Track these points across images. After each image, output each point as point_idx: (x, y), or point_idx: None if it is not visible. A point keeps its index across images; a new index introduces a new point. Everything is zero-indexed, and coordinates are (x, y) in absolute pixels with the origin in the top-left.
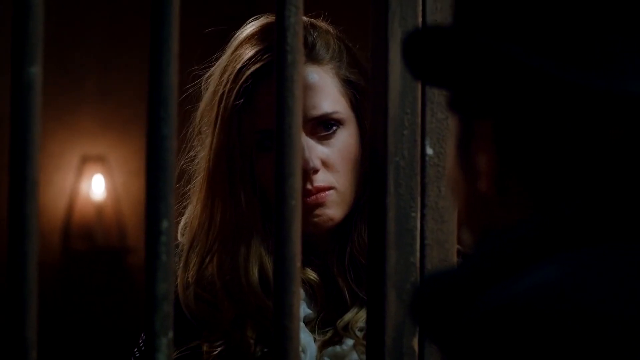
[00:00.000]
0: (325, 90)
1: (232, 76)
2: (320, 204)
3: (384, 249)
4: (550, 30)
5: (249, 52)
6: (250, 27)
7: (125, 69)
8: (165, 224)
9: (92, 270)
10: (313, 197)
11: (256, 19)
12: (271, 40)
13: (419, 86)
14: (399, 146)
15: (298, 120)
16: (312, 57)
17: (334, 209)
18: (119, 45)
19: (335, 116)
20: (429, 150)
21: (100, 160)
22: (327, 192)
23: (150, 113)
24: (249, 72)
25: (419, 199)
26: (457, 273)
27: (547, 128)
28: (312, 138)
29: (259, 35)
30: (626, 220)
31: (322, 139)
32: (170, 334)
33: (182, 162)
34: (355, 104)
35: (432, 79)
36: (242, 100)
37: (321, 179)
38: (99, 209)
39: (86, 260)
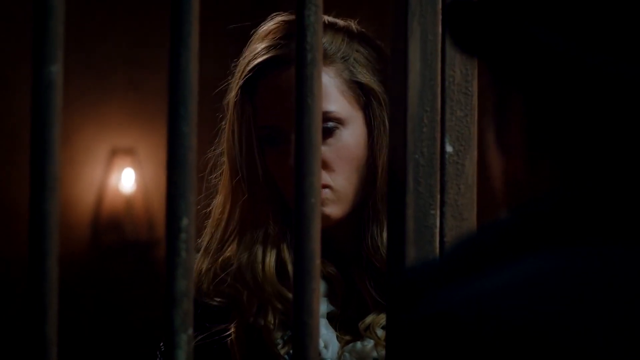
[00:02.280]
0: (323, 89)
1: (240, 70)
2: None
3: (403, 246)
4: (582, 15)
5: (258, 47)
6: (266, 24)
7: (152, 61)
8: (185, 221)
9: (121, 263)
10: None
11: (275, 15)
12: (284, 37)
13: (439, 84)
14: (418, 144)
15: (318, 119)
16: None
17: (330, 207)
18: (146, 37)
19: (333, 115)
20: (449, 148)
21: (129, 153)
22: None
23: (171, 111)
24: (253, 64)
25: (438, 196)
26: (435, 265)
27: (573, 112)
28: None
29: (273, 32)
30: (621, 217)
31: None
32: (190, 331)
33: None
34: (363, 105)
35: (472, 48)
36: (246, 94)
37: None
38: (129, 201)
39: (115, 253)
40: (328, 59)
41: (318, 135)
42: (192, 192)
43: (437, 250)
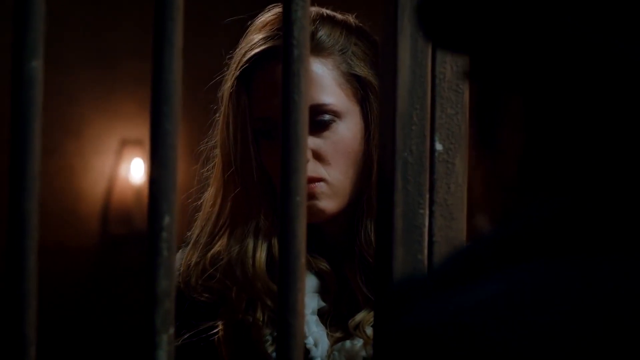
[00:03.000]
0: (320, 81)
1: (236, 61)
2: (310, 195)
3: (390, 246)
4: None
5: (255, 38)
6: (263, 15)
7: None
8: (167, 219)
9: (131, 254)
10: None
11: (273, 7)
12: (281, 28)
13: (429, 81)
14: (407, 142)
15: (304, 116)
16: (311, 47)
17: (325, 201)
18: None
19: (330, 108)
20: (439, 146)
21: (139, 144)
22: (316, 184)
23: (154, 109)
24: (249, 55)
25: (427, 195)
26: (424, 275)
27: (591, 111)
28: None
29: (270, 23)
30: (612, 229)
31: (315, 130)
32: (171, 331)
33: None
34: (360, 98)
35: (448, 42)
36: (242, 86)
37: (310, 169)
38: (138, 192)
39: (125, 245)
40: (326, 50)
41: (304, 132)
42: (174, 190)
43: (426, 250)
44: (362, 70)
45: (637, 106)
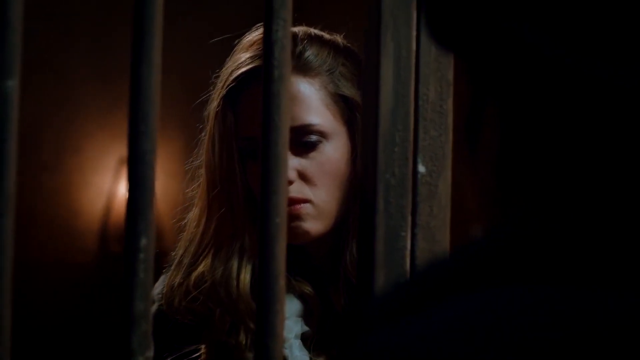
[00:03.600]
0: (307, 101)
1: (223, 80)
2: (295, 216)
3: (372, 269)
4: (571, 15)
5: (241, 57)
6: (251, 34)
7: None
8: (144, 241)
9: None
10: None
11: (260, 26)
12: None
13: (412, 102)
14: (389, 163)
15: (284, 136)
16: (298, 67)
17: (310, 223)
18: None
19: (316, 129)
20: (421, 168)
21: None
22: (301, 205)
23: (131, 127)
24: (235, 75)
25: (409, 218)
26: (382, 301)
27: (554, 123)
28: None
29: (258, 42)
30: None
31: (301, 151)
32: (148, 354)
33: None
34: (347, 119)
35: (448, 41)
36: (228, 105)
37: (296, 190)
38: None
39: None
40: (313, 70)
41: (284, 153)
42: (152, 210)
43: (408, 274)
44: (349, 90)
45: (606, 124)
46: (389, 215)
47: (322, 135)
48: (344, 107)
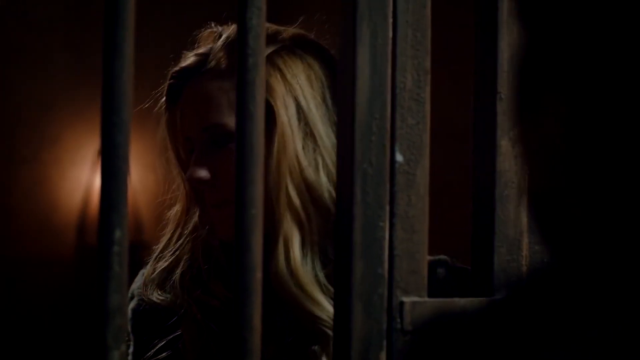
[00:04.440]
0: (216, 102)
1: (168, 76)
2: (219, 218)
3: (350, 260)
4: None
5: (185, 55)
6: (202, 32)
7: (140, 64)
8: (118, 233)
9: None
10: (211, 209)
11: (212, 25)
12: (211, 44)
13: (389, 90)
14: (366, 153)
15: (260, 126)
16: (212, 69)
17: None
18: (136, 38)
19: (227, 129)
20: (399, 157)
21: None
22: (220, 208)
23: (104, 119)
24: (173, 70)
25: (387, 207)
26: None
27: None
28: (201, 151)
29: (202, 38)
30: None
31: (214, 151)
32: (123, 347)
33: None
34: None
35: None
36: (170, 104)
37: (213, 192)
38: None
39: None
40: (227, 72)
41: (260, 142)
42: (125, 203)
43: (386, 264)
44: (267, 91)
45: None
46: (366, 206)
47: (232, 135)
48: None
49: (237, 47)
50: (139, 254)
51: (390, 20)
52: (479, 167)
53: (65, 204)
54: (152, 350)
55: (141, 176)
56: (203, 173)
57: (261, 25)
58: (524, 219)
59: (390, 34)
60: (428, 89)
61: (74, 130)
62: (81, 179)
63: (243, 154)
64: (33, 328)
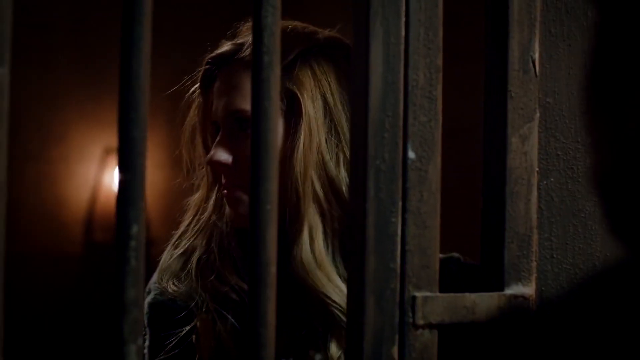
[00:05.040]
0: (243, 91)
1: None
2: (232, 201)
3: (363, 255)
4: None
5: (221, 44)
6: (242, 26)
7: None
8: (135, 228)
9: (114, 262)
10: (225, 192)
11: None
12: (249, 36)
13: (401, 88)
14: (379, 149)
15: (274, 123)
16: (245, 59)
17: (244, 207)
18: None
19: (247, 115)
20: (411, 154)
21: None
22: (236, 190)
23: (121, 115)
24: (209, 56)
25: (400, 203)
26: None
27: None
28: (225, 135)
29: (240, 32)
30: None
31: (235, 136)
32: (140, 341)
33: None
34: (286, 112)
35: None
36: (202, 90)
37: (231, 176)
38: None
39: (108, 253)
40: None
41: (275, 139)
42: (142, 198)
43: (399, 259)
44: (293, 84)
45: None
46: (379, 201)
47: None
48: (285, 98)
49: (253, 45)
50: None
51: (403, 19)
52: (490, 164)
53: (72, 201)
54: (168, 343)
55: (148, 173)
56: (224, 156)
57: (276, 23)
58: (534, 216)
59: (403, 33)
60: (440, 86)
61: (81, 127)
62: (88, 175)
63: (258, 150)
64: (40, 323)
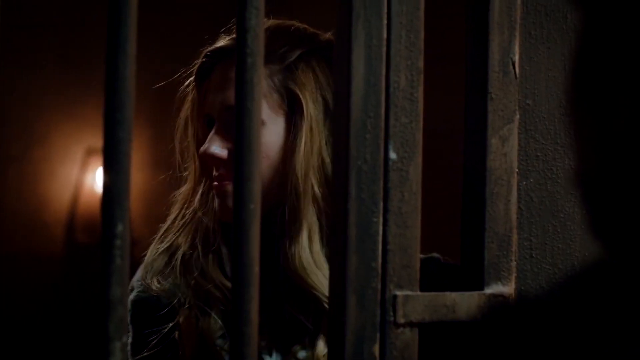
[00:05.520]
0: None
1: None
2: (222, 193)
3: (345, 254)
4: None
5: (217, 39)
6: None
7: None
8: (119, 227)
9: (96, 263)
10: (215, 184)
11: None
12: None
13: (383, 89)
14: (361, 150)
15: (257, 123)
16: None
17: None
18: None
19: None
20: (392, 155)
21: None
22: (229, 182)
23: (106, 116)
24: (207, 50)
25: (381, 203)
26: None
27: None
28: (220, 128)
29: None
30: None
31: (231, 130)
32: (125, 338)
33: None
34: (287, 110)
35: None
36: (198, 80)
37: (226, 170)
38: None
39: (90, 253)
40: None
41: (257, 139)
42: (128, 198)
43: (380, 258)
44: (296, 86)
45: None
46: (361, 202)
47: None
48: (286, 98)
49: (237, 47)
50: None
51: (385, 21)
52: (470, 164)
53: (54, 202)
54: (150, 340)
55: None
56: (217, 149)
57: (260, 25)
58: (514, 216)
59: (385, 35)
60: (421, 88)
61: (64, 128)
62: (70, 176)
63: (241, 150)
64: (23, 324)
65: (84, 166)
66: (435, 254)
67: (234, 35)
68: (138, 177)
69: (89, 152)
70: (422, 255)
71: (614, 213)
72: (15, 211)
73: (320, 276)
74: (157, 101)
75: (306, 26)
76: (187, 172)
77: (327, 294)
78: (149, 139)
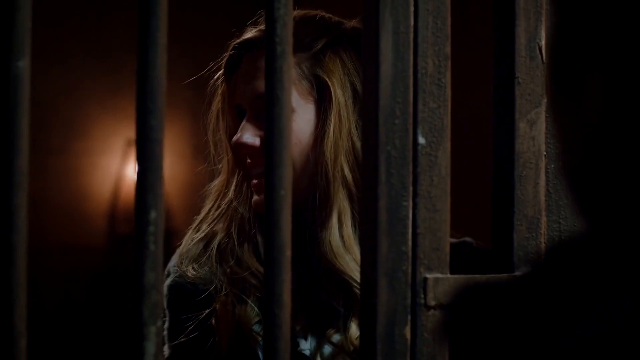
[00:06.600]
0: None
1: (228, 47)
2: (257, 190)
3: (375, 238)
4: None
5: (245, 31)
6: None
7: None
8: (153, 214)
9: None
10: (254, 182)
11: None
12: None
13: (411, 75)
14: (390, 135)
15: (287, 110)
16: None
17: None
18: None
19: None
20: (421, 140)
21: None
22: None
23: (139, 105)
24: (235, 42)
25: (410, 187)
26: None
27: None
28: (252, 117)
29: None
30: None
31: (262, 118)
32: (159, 323)
33: None
34: (316, 97)
35: None
36: (227, 73)
37: (260, 162)
38: None
39: (132, 244)
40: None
41: (288, 126)
42: (161, 185)
43: (410, 242)
44: (325, 73)
45: None
46: (390, 186)
47: None
48: (315, 85)
49: (266, 36)
50: (168, 241)
51: (412, 8)
52: (498, 148)
53: (95, 194)
54: (187, 326)
55: (170, 165)
56: (249, 138)
57: (288, 14)
58: (542, 198)
59: (412, 22)
60: (448, 73)
61: (103, 121)
62: (111, 168)
63: (272, 137)
64: (64, 316)
65: (124, 158)
66: (467, 238)
67: (260, 27)
68: (179, 167)
69: (129, 144)
70: (454, 240)
71: (598, 195)
72: (57, 204)
73: (349, 259)
74: (198, 89)
75: (331, 15)
76: (220, 165)
77: (356, 277)
78: (189, 128)
